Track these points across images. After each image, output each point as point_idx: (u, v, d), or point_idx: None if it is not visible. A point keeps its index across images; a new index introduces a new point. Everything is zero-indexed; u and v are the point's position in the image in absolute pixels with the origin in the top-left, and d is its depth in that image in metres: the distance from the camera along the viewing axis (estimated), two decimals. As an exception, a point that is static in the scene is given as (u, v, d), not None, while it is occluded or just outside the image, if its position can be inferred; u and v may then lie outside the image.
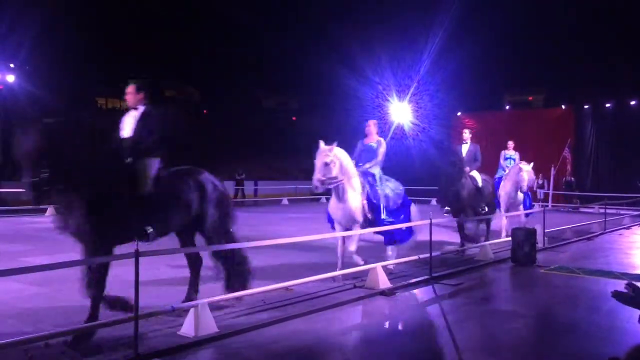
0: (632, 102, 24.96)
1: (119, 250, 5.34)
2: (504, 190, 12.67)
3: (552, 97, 28.18)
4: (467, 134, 11.47)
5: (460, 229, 10.78)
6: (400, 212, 8.43)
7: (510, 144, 13.87)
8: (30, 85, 25.73)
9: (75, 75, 32.89)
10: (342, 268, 7.73)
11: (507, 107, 29.55)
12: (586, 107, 26.51)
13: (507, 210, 12.72)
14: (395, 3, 30.85)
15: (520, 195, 12.77)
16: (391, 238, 8.38)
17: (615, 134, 25.38)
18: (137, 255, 4.69)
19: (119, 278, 6.51)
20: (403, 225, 8.26)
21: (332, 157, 7.46)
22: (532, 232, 9.47)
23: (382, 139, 8.52)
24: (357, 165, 8.22)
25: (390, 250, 8.59)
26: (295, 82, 37.35)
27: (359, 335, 5.56)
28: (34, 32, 25.33)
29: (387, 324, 5.90)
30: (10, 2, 24.76)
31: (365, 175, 8.18)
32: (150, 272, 7.64)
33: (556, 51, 27.03)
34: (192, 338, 5.05)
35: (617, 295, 5.28)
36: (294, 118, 39.31)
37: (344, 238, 8.03)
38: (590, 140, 26.38)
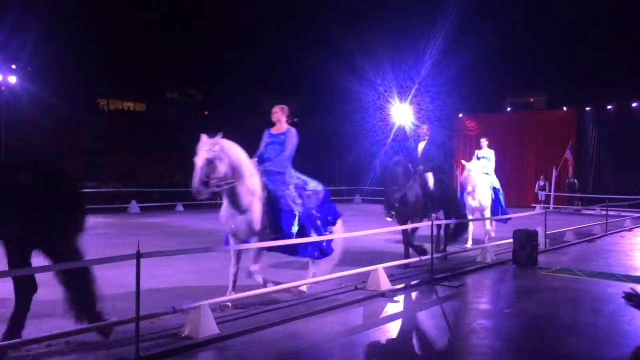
0: (634, 104, 24.94)
1: (119, 252, 5.34)
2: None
3: (553, 99, 28.14)
4: (424, 129, 10.34)
5: (406, 238, 9.38)
6: (317, 219, 7.01)
7: (484, 142, 12.79)
8: (32, 87, 25.79)
9: (77, 76, 32.93)
10: (234, 290, 6.41)
11: (509, 109, 29.51)
12: (588, 108, 26.49)
13: (472, 216, 11.80)
14: (397, 5, 30.86)
15: (484, 200, 11.77)
16: (306, 252, 6.85)
17: (617, 135, 25.36)
18: (138, 256, 4.70)
19: (120, 279, 6.54)
20: (309, 240, 6.68)
21: (218, 152, 6.04)
22: (533, 234, 9.46)
23: (292, 128, 7.14)
24: (262, 160, 6.91)
25: (313, 267, 7.32)
26: (296, 84, 37.36)
27: (360, 337, 5.56)
28: (36, 33, 25.40)
29: (388, 326, 5.89)
30: (12, 4, 24.82)
31: (270, 174, 6.73)
32: (151, 273, 7.63)
33: (558, 53, 27.01)
34: (193, 339, 5.05)
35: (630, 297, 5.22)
36: (295, 119, 39.33)
37: (239, 254, 6.57)
38: (592, 142, 26.36)
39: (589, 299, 7.06)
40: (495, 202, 12.22)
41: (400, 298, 7.06)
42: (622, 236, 14.28)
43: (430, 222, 8.75)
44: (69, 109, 26.71)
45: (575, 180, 25.09)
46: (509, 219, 12.53)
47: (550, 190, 24.25)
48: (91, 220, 17.08)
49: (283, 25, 35.13)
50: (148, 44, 36.16)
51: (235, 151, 6.29)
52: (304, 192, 6.98)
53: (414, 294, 7.33)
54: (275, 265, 8.28)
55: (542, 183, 25.34)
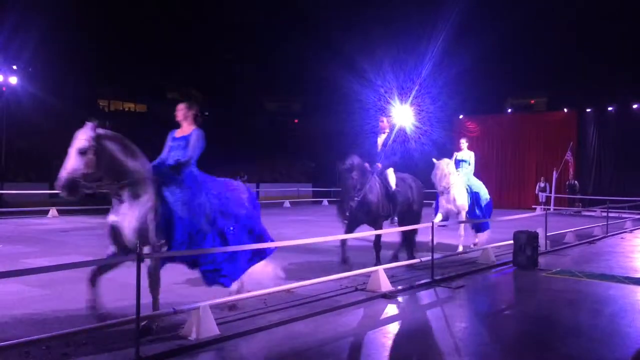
0: (635, 106, 24.94)
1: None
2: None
3: (554, 101, 28.17)
4: (385, 122, 9.32)
5: (344, 245, 8.37)
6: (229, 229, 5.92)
7: (463, 143, 11.78)
8: (32, 87, 25.83)
9: (77, 77, 32.97)
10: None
11: (510, 111, 29.53)
12: (588, 110, 26.51)
13: (444, 220, 11.05)
14: (398, 6, 30.89)
15: (460, 201, 10.91)
16: (211, 275, 5.83)
17: (618, 137, 25.37)
18: (139, 257, 4.70)
19: (120, 280, 6.52)
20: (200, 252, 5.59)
21: (95, 143, 4.94)
22: (534, 236, 9.45)
23: (198, 130, 6.06)
24: (163, 165, 5.85)
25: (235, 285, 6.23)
26: (297, 85, 37.41)
27: (360, 338, 5.55)
28: (37, 34, 25.43)
29: (388, 327, 5.89)
30: (13, 4, 24.85)
31: (166, 179, 5.61)
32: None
33: (559, 54, 27.02)
34: (194, 340, 5.05)
35: None
36: (296, 120, 39.35)
37: (99, 270, 5.35)
38: (593, 144, 26.37)
39: (589, 301, 7.05)
40: (473, 206, 11.25)
41: (401, 299, 7.05)
42: (622, 238, 14.27)
43: (430, 224, 8.75)
44: (69, 109, 26.73)
45: (576, 181, 25.09)
46: (488, 225, 11.61)
47: (550, 192, 24.25)
48: (92, 221, 17.10)
49: (284, 26, 35.18)
50: (148, 45, 36.20)
51: (121, 145, 5.24)
52: (215, 196, 5.93)
53: (414, 295, 7.32)
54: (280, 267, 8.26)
55: (542, 184, 25.34)
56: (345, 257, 8.37)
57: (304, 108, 40.48)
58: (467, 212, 11.12)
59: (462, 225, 11.05)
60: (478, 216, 11.26)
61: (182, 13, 37.22)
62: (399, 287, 7.48)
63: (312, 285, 7.09)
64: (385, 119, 9.34)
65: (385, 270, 7.71)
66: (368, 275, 7.53)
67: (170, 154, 5.99)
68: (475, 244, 11.57)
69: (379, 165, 8.68)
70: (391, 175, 8.83)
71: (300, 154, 36.03)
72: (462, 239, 11.00)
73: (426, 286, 7.78)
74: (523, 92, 29.93)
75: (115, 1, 34.22)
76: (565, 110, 27.25)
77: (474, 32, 24.76)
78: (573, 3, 25.95)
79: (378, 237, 8.57)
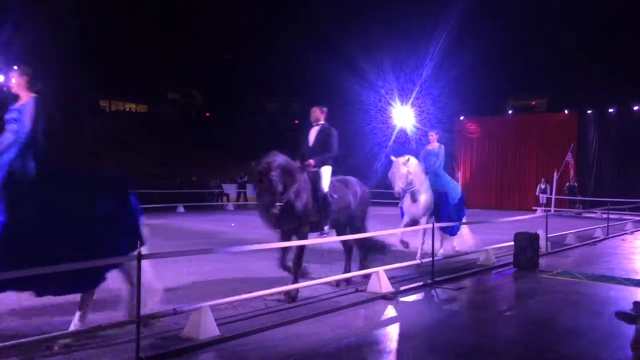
0: (635, 107, 24.92)
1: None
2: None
3: (555, 102, 28.14)
4: (318, 112, 7.72)
5: (282, 257, 7.11)
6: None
7: (432, 135, 10.64)
8: (33, 87, 25.77)
9: (78, 77, 32.97)
10: None
11: (510, 112, 29.50)
12: (589, 112, 26.49)
13: (410, 224, 9.83)
14: (398, 6, 30.89)
15: (423, 203, 9.78)
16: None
17: (619, 139, 25.35)
18: (139, 257, 4.69)
19: (120, 280, 6.52)
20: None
21: None
22: (534, 237, 9.45)
23: (33, 97, 5.11)
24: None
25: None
26: (297, 85, 37.43)
27: (360, 339, 5.55)
28: (38, 34, 25.43)
29: (388, 328, 5.88)
30: (13, 5, 24.85)
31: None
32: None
33: (559, 56, 27.02)
34: (194, 341, 5.05)
35: (620, 315, 5.21)
36: (296, 121, 39.39)
37: None
38: (593, 145, 26.35)
39: (590, 302, 7.05)
40: (437, 208, 10.14)
41: (401, 300, 7.04)
42: (623, 239, 14.26)
43: (431, 225, 8.74)
44: (70, 110, 26.74)
45: (575, 183, 25.09)
46: (456, 229, 10.41)
47: (551, 193, 24.24)
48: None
49: (284, 26, 35.18)
50: (148, 45, 36.22)
51: None
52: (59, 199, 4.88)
53: (414, 297, 7.32)
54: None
55: (543, 186, 25.33)
56: (285, 265, 7.09)
57: (304, 109, 40.56)
58: (431, 214, 10.07)
59: (421, 230, 9.68)
60: (445, 218, 10.13)
61: (182, 13, 37.21)
62: (400, 289, 7.47)
63: (312, 286, 7.08)
64: (318, 109, 7.74)
65: (386, 271, 7.71)
66: (368, 276, 7.52)
67: (7, 127, 4.89)
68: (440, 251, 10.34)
69: (312, 162, 7.24)
70: (325, 175, 7.31)
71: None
72: (424, 244, 9.62)
73: (426, 287, 7.77)
74: (524, 93, 29.91)
75: (115, 2, 34.23)
76: (566, 111, 27.23)
77: (475, 33, 24.76)
78: (573, 3, 25.95)
79: (300, 249, 7.01)
